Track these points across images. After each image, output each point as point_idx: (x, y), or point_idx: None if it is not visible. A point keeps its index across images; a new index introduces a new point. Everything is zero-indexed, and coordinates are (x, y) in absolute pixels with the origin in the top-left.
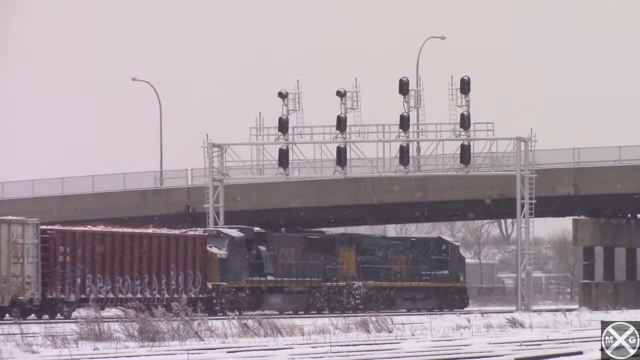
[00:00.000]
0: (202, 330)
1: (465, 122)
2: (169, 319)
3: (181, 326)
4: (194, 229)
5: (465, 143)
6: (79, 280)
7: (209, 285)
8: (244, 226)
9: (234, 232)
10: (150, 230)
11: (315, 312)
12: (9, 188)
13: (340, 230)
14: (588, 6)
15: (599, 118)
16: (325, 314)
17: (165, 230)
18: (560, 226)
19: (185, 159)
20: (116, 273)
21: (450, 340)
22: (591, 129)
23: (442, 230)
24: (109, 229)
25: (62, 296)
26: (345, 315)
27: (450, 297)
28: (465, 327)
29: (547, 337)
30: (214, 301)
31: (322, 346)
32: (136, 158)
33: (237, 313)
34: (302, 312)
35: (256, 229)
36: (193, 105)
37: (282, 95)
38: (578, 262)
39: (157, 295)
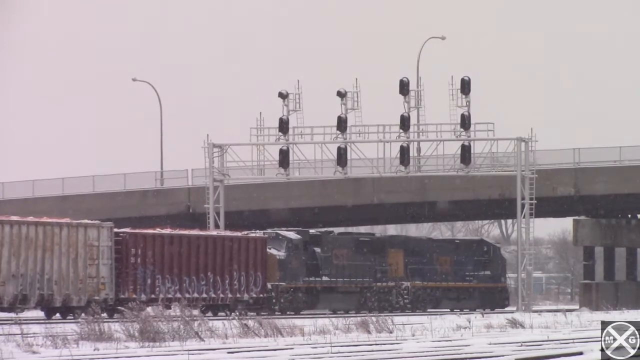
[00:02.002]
0: (203, 330)
1: (465, 122)
2: (169, 319)
3: (181, 326)
4: (254, 231)
5: (466, 143)
6: (149, 281)
7: (269, 285)
8: (300, 228)
9: (292, 235)
10: (214, 233)
11: (366, 311)
12: (9, 188)
13: (368, 230)
14: (589, 6)
15: (599, 118)
16: (375, 313)
17: (228, 233)
18: (561, 226)
19: (186, 159)
20: (183, 274)
21: (450, 340)
22: (591, 129)
23: (443, 231)
24: (177, 231)
25: (134, 296)
26: (346, 315)
27: (492, 297)
28: (466, 328)
29: (548, 337)
30: (274, 300)
31: (323, 346)
32: (136, 158)
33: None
34: (353, 312)
35: (312, 231)
36: (193, 105)
37: (283, 96)
38: (578, 262)
39: (221, 295)
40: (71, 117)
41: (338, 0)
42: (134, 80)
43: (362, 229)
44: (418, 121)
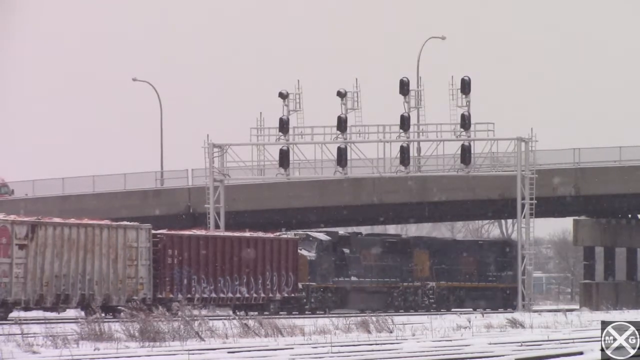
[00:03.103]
0: (203, 330)
1: (465, 122)
2: (170, 319)
3: (182, 326)
4: (285, 232)
5: (466, 143)
6: (185, 281)
7: (300, 285)
8: (329, 229)
9: (322, 236)
10: (247, 234)
11: (393, 311)
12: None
13: (409, 232)
14: (588, 5)
15: (599, 118)
16: (401, 312)
17: (261, 234)
18: (561, 226)
19: (186, 159)
20: (218, 274)
21: (450, 340)
22: (591, 129)
23: (443, 231)
24: (212, 233)
25: (171, 296)
26: (346, 315)
27: (514, 297)
28: (466, 328)
29: (548, 337)
30: (304, 300)
31: (323, 346)
32: (137, 158)
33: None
34: (381, 311)
35: (340, 232)
36: (193, 105)
37: (283, 96)
38: (578, 262)
39: (254, 295)
40: (72, 117)
41: (338, 0)
42: (134, 80)
43: (363, 229)
44: (418, 121)
